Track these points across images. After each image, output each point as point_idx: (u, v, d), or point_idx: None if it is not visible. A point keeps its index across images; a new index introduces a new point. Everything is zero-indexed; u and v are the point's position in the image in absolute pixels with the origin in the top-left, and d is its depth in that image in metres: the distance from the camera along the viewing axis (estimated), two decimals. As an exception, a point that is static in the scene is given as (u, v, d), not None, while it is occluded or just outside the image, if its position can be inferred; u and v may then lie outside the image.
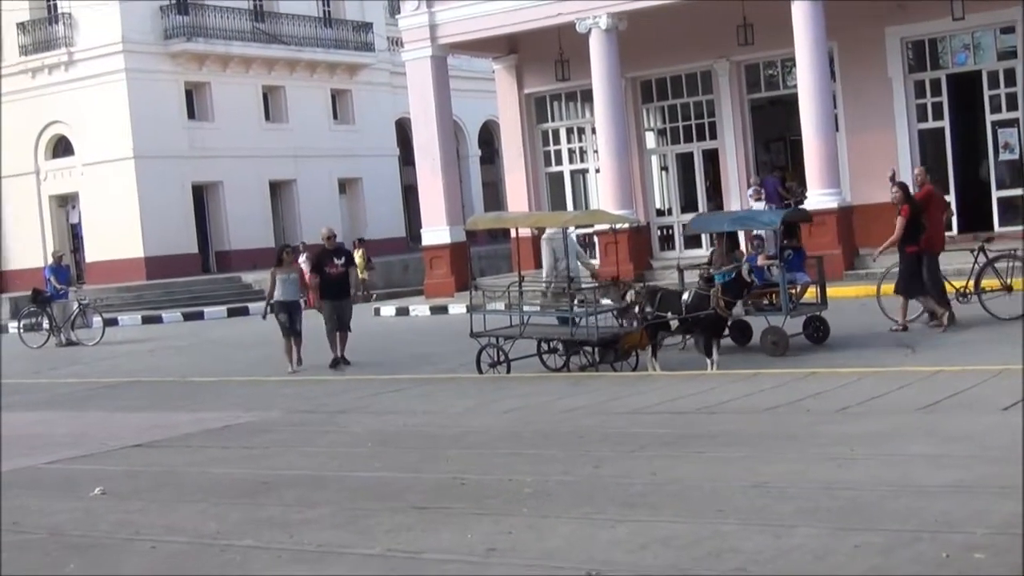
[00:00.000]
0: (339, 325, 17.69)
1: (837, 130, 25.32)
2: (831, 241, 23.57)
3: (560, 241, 15.91)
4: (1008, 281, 16.50)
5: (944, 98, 25.62)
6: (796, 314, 15.34)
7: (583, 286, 15.33)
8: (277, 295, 17.66)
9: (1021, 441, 7.87)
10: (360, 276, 32.27)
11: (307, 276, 21.16)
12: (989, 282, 16.69)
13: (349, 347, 17.87)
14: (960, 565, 5.60)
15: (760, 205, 23.87)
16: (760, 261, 16.12)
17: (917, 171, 17.96)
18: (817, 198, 23.88)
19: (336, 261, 17.90)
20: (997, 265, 16.79)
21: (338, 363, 17.49)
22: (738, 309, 14.61)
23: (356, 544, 6.88)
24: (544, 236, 16.51)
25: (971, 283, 16.66)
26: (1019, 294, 16.07)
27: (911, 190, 17.11)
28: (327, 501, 8.09)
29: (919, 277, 15.88)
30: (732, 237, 16.31)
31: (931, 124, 25.85)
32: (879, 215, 25.17)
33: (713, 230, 16.44)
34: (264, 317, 18.23)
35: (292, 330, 17.64)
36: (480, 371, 14.74)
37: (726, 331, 15.00)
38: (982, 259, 16.78)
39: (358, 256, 32.44)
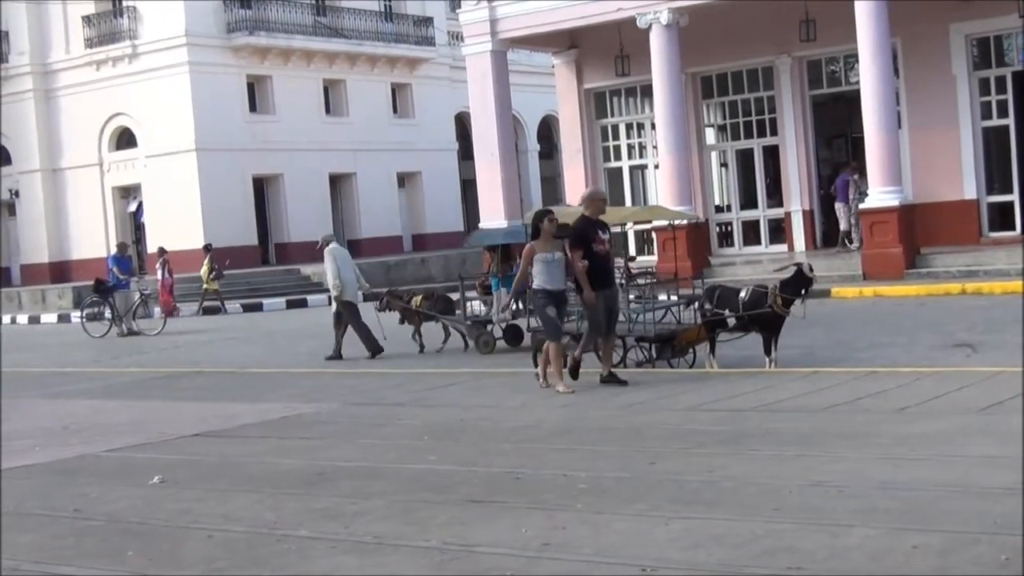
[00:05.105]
0: (608, 324, 13.01)
1: (900, 127, 25.10)
2: (892, 239, 23.40)
3: (341, 254, 18.56)
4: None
5: (1009, 96, 25.34)
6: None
7: (640, 282, 15.36)
8: (538, 282, 12.84)
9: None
10: (205, 286, 32.17)
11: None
12: None
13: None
14: (1019, 568, 5.52)
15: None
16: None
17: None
18: (878, 196, 23.69)
19: (602, 235, 12.92)
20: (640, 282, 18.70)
21: (615, 379, 12.73)
22: (505, 314, 16.68)
23: (411, 536, 6.90)
24: (327, 249, 18.55)
25: None
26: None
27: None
28: (383, 493, 8.12)
29: None
30: (507, 248, 18.16)
31: (995, 122, 25.59)
32: (941, 213, 25.03)
33: (490, 242, 18.61)
34: (526, 309, 13.41)
35: (559, 333, 13.02)
36: (536, 366, 14.72)
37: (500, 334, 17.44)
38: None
39: (204, 264, 32.33)
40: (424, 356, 18.04)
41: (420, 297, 18.70)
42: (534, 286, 12.93)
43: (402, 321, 19.02)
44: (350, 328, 18.24)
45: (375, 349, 18.02)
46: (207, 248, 33.08)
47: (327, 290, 19.43)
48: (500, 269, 17.92)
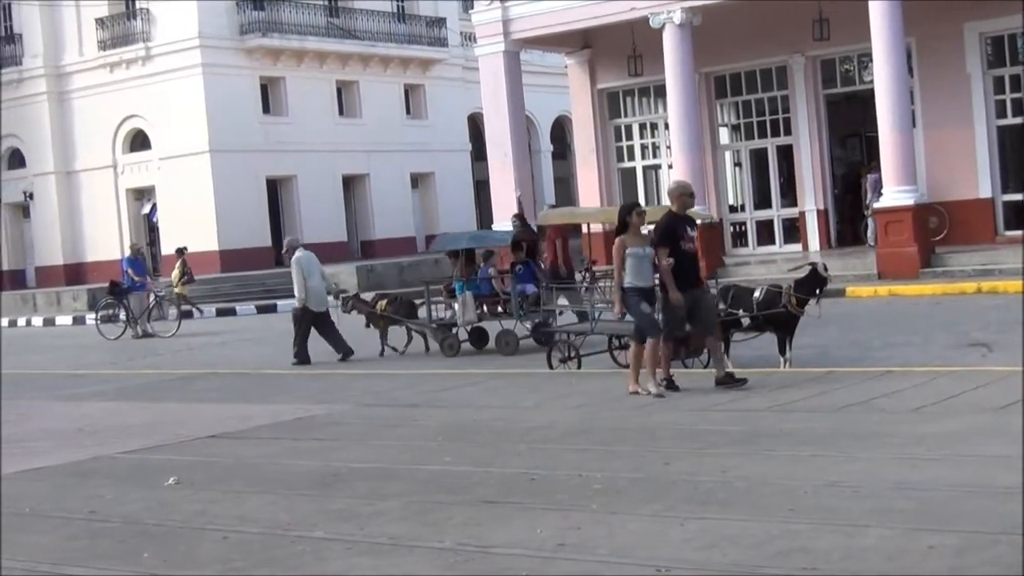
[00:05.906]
0: (704, 326, 12.37)
1: (914, 126, 25.02)
2: (906, 239, 23.32)
3: (308, 262, 18.47)
4: None
5: (1023, 94, 25.24)
6: (525, 319, 17.38)
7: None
8: (628, 279, 12.02)
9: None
10: (176, 290, 31.98)
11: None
12: None
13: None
14: (1032, 568, 5.52)
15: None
16: (491, 272, 18.61)
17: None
18: (893, 195, 23.62)
19: (691, 232, 12.25)
20: None
21: (732, 379, 11.96)
22: (470, 316, 17.45)
23: (426, 537, 6.91)
24: (293, 258, 18.56)
25: None
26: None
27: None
28: (397, 494, 8.13)
29: None
30: (470, 252, 18.80)
31: (1010, 120, 25.50)
32: (956, 213, 24.96)
33: (453, 247, 19.09)
34: (621, 314, 12.40)
35: (658, 328, 12.04)
36: (551, 367, 14.74)
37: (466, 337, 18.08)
38: None
39: (176, 268, 31.98)
40: (427, 357, 18.08)
41: (384, 301, 19.01)
42: (625, 284, 12.06)
43: (367, 324, 19.24)
44: (342, 323, 18.47)
45: (301, 358, 18.13)
46: (180, 251, 32.86)
47: (336, 293, 19.45)
48: (464, 273, 18.20)
